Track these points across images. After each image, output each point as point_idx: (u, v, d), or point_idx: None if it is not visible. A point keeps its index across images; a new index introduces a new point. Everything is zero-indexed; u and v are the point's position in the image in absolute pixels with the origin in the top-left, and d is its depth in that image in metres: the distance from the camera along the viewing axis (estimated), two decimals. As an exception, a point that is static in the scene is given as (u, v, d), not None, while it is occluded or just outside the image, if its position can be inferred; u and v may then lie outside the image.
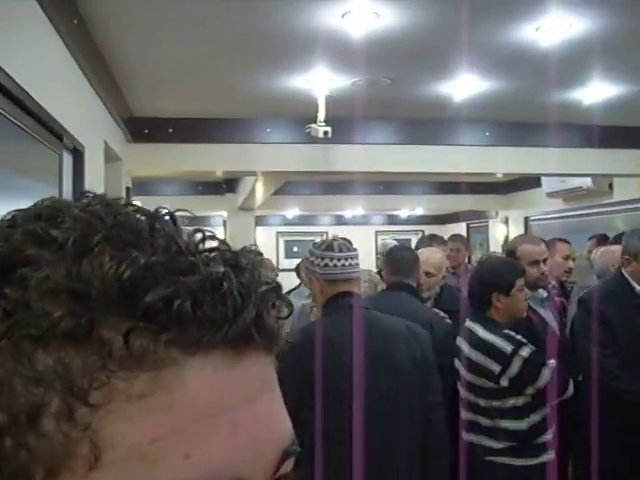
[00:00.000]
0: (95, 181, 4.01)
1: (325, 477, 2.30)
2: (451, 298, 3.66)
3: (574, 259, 4.57)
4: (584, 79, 4.73)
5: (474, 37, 3.73)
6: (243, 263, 0.47)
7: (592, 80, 4.74)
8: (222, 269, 0.44)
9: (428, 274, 3.62)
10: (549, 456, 2.90)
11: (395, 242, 6.62)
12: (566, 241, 4.64)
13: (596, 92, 5.03)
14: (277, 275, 5.27)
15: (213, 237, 0.48)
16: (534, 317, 3.39)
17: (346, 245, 2.59)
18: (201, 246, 0.47)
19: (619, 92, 5.10)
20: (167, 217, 0.48)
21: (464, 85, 4.77)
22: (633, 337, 3.10)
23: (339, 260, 2.52)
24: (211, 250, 0.47)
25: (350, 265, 2.54)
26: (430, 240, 4.74)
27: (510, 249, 3.61)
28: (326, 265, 2.52)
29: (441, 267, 3.69)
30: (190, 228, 0.48)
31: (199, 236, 0.48)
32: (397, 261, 3.47)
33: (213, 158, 5.86)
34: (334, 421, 2.38)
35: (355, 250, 2.62)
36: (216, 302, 0.42)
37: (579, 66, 4.40)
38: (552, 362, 2.87)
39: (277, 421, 0.48)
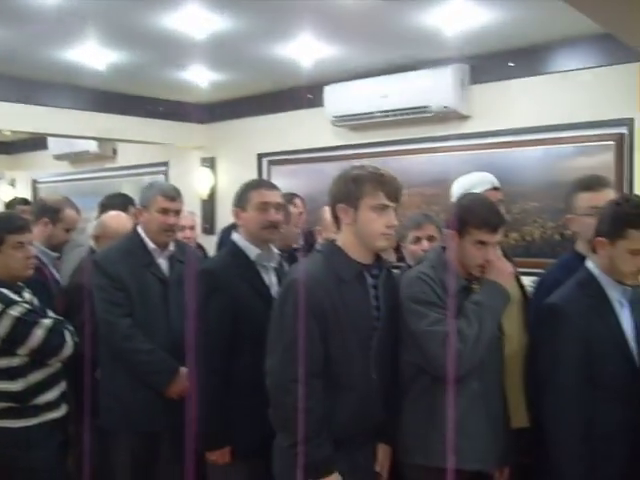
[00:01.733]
0: None
1: None
2: None
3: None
4: (80, 40, 4.73)
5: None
6: None
7: (88, 43, 4.77)
8: None
9: None
10: (53, 415, 2.95)
11: None
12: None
13: (94, 56, 5.07)
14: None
15: None
16: (49, 276, 3.51)
17: None
18: None
19: (119, 59, 5.26)
20: None
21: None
22: (145, 295, 3.16)
23: None
24: None
25: None
26: None
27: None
28: None
29: None
30: None
31: None
32: None
33: None
34: None
35: None
36: None
37: (75, 26, 4.39)
38: (46, 322, 2.88)
39: None
